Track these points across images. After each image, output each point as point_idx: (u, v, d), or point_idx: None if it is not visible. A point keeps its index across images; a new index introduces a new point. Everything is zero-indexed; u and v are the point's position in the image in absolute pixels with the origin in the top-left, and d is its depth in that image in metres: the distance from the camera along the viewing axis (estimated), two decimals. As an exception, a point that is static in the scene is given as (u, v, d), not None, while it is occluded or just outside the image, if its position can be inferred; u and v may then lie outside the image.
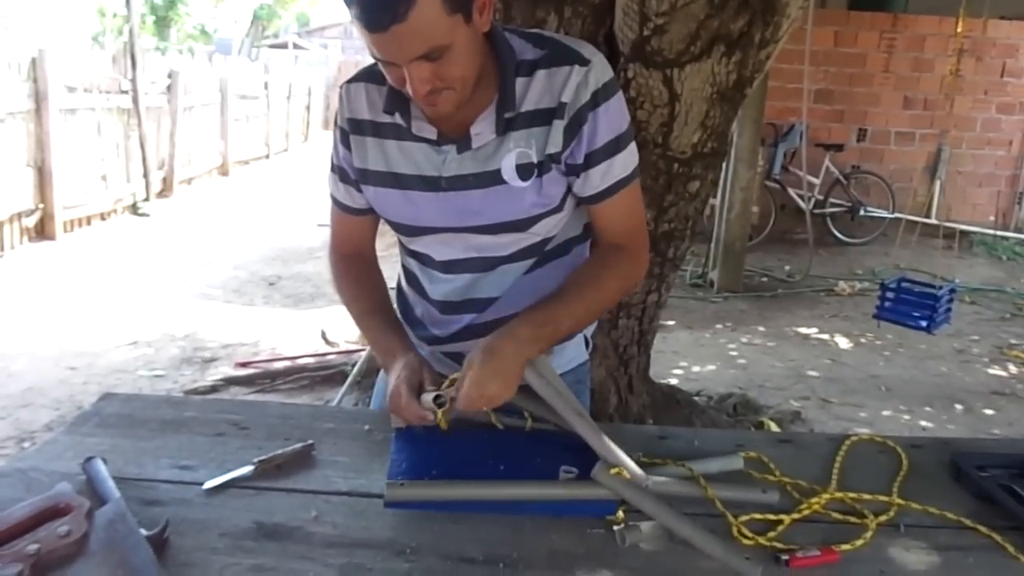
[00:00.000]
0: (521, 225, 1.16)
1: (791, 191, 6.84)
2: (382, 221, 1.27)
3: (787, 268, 6.34)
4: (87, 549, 0.85)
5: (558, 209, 1.17)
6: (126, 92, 7.33)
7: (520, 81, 1.10)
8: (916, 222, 6.26)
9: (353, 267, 1.29)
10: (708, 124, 2.12)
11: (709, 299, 5.49)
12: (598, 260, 1.20)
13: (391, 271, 1.33)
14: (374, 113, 1.16)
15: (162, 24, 20.14)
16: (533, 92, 1.10)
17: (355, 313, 1.26)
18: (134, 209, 7.54)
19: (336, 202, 1.28)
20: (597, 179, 1.14)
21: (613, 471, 1.00)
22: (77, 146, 6.52)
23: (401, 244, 1.29)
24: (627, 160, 1.15)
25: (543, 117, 1.10)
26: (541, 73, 1.10)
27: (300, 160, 12.50)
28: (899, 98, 7.27)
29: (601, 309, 1.20)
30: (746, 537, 0.97)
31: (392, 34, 0.93)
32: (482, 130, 1.10)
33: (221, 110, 9.93)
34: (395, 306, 1.38)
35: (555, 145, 1.11)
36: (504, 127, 1.10)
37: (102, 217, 7.04)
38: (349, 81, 1.21)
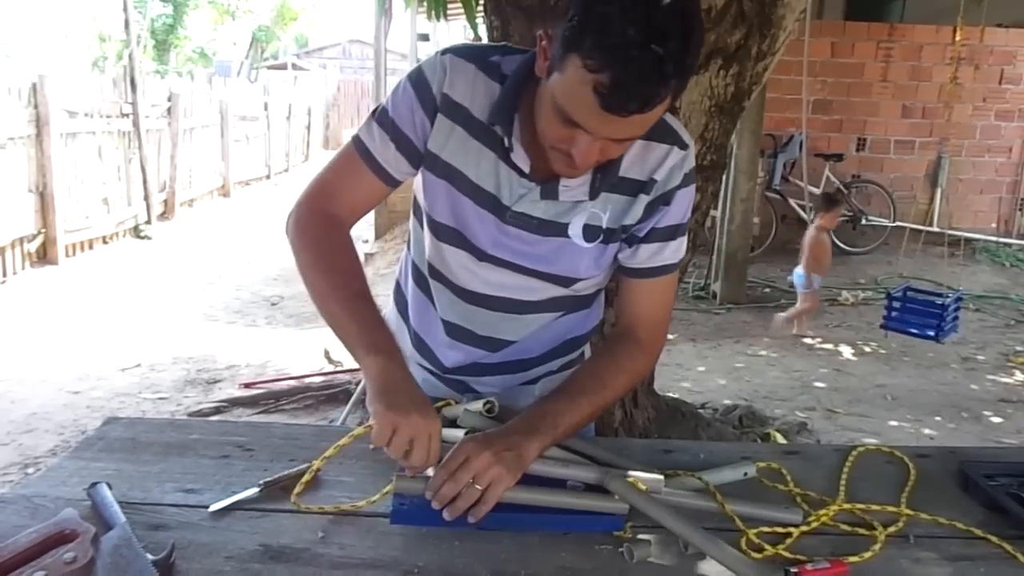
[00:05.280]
0: (566, 282, 1.14)
1: (792, 201, 6.84)
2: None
3: (790, 279, 6.33)
4: (93, 575, 0.84)
5: (602, 273, 1.17)
6: (127, 115, 7.38)
7: None
8: (918, 230, 6.28)
9: (339, 232, 1.12)
10: (707, 137, 2.13)
11: (712, 311, 5.49)
12: (610, 356, 1.14)
13: (388, 287, 1.32)
14: (474, 106, 1.06)
15: (162, 48, 20.34)
16: (625, 160, 1.06)
17: (335, 289, 1.06)
18: (136, 232, 7.57)
19: (368, 156, 1.11)
20: (645, 256, 1.12)
21: (629, 479, 1.00)
22: (78, 170, 6.55)
23: (422, 260, 1.21)
24: (678, 249, 1.14)
25: (629, 188, 1.08)
26: (638, 143, 1.05)
27: (301, 180, 12.54)
28: (898, 107, 7.30)
29: (607, 405, 1.15)
30: (755, 549, 0.96)
31: (624, 120, 0.88)
32: (573, 186, 1.06)
33: (221, 132, 9.99)
34: (393, 307, 1.34)
35: (633, 218, 1.09)
36: (596, 191, 1.07)
37: (104, 241, 7.07)
38: (456, 53, 1.08)
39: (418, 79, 1.08)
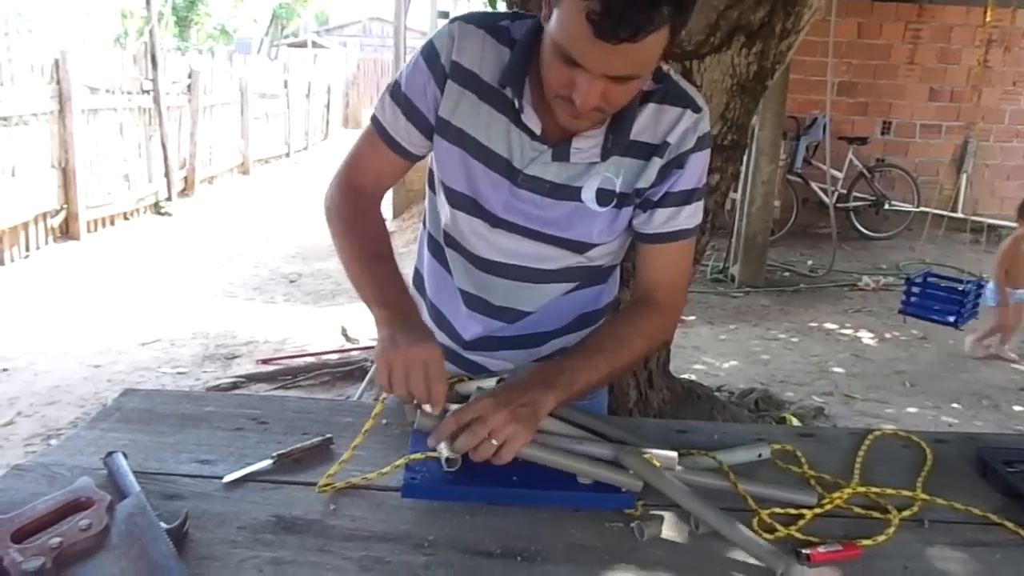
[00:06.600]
0: (580, 247, 1.14)
1: (814, 185, 6.77)
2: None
3: (810, 263, 6.28)
4: (108, 542, 0.85)
5: (616, 239, 1.16)
6: (147, 92, 7.42)
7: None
8: (942, 216, 6.18)
9: (365, 202, 1.18)
10: (728, 116, 2.11)
11: (730, 294, 5.45)
12: (628, 317, 1.14)
13: (408, 268, 1.32)
14: (483, 71, 1.07)
15: (183, 24, 20.40)
16: (638, 123, 1.06)
17: (357, 252, 1.12)
18: (156, 208, 7.63)
19: (384, 132, 1.15)
20: (660, 221, 1.11)
21: (644, 455, 1.00)
22: (100, 146, 6.60)
23: (439, 228, 1.22)
24: (693, 214, 1.13)
25: (641, 151, 1.08)
26: (651, 107, 1.06)
27: (320, 158, 12.58)
28: (925, 90, 7.17)
29: (625, 366, 1.14)
30: (767, 530, 0.96)
31: (616, 49, 0.87)
32: (585, 147, 1.06)
33: (241, 109, 10.02)
34: (412, 288, 1.34)
35: (646, 181, 1.09)
36: (608, 152, 1.07)
37: (125, 217, 7.13)
38: (465, 20, 1.10)
39: (428, 50, 1.10)
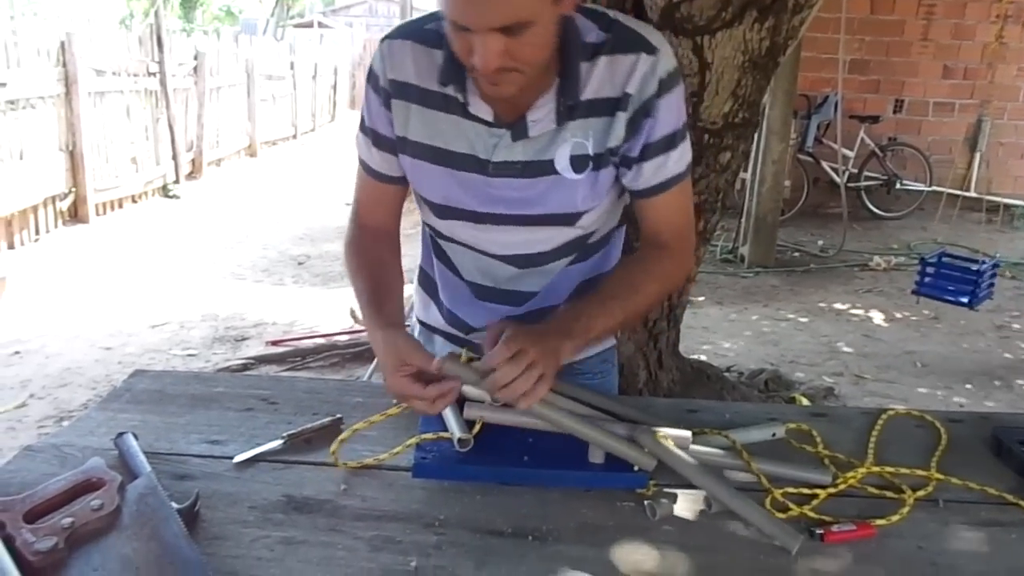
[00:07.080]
0: (568, 219, 1.11)
1: (824, 164, 6.70)
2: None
3: (820, 243, 6.24)
4: (119, 522, 0.86)
5: (603, 201, 1.13)
6: (154, 74, 7.38)
7: (582, 66, 1.02)
8: (955, 195, 6.12)
9: (372, 241, 1.21)
10: (739, 93, 2.08)
11: (740, 274, 5.43)
12: (639, 262, 1.13)
13: (415, 250, 1.31)
14: (421, 78, 1.07)
15: (188, 6, 20.32)
16: (594, 79, 1.03)
17: (358, 285, 1.16)
18: (165, 191, 7.62)
19: (366, 167, 1.18)
20: (650, 173, 1.08)
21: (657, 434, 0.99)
22: (107, 129, 6.59)
23: (433, 227, 1.22)
24: (681, 156, 1.09)
25: (604, 107, 1.04)
26: (603, 59, 1.02)
27: (327, 140, 12.54)
28: (938, 67, 7.07)
29: (640, 312, 1.13)
30: (780, 509, 0.95)
31: None
32: (540, 117, 1.03)
33: (248, 91, 9.97)
34: (417, 286, 1.34)
35: (616, 139, 1.05)
36: (564, 116, 1.04)
37: (133, 200, 7.13)
38: (391, 37, 1.10)
39: (370, 76, 1.12)
